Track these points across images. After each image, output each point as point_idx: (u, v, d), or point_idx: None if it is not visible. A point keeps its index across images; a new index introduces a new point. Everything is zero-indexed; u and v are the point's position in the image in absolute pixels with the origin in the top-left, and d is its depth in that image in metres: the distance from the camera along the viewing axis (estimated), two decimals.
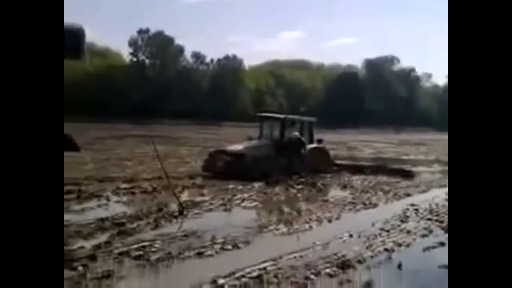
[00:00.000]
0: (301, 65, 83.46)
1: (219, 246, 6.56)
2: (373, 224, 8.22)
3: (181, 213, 8.51)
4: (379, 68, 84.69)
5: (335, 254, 6.34)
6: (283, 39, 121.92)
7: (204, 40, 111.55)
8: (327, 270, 5.73)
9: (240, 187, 11.69)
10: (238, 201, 10.01)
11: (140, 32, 66.88)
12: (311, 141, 15.47)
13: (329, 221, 8.61)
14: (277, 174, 13.20)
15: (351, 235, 7.44)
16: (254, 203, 10.04)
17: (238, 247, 6.65)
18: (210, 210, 9.14)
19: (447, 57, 2.71)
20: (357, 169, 15.97)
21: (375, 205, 10.37)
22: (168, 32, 67.62)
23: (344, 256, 6.30)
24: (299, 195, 11.48)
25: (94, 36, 65.87)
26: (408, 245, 7.13)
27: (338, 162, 16.82)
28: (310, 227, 8.13)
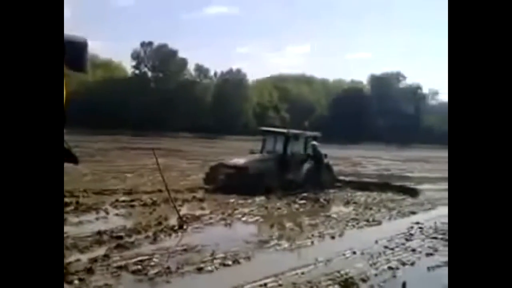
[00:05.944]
0: (306, 80, 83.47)
1: (219, 261, 6.41)
2: (376, 242, 8.05)
3: (180, 227, 8.35)
4: (384, 84, 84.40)
5: (338, 271, 6.18)
6: (290, 54, 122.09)
7: (208, 53, 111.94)
8: None
9: (241, 201, 11.53)
10: (239, 216, 9.85)
11: (143, 44, 67.28)
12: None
13: (332, 237, 8.44)
14: (279, 189, 13.06)
15: (354, 252, 7.28)
16: (255, 218, 9.87)
17: (238, 263, 6.49)
18: (211, 224, 8.99)
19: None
20: (361, 185, 15.77)
21: (379, 222, 10.18)
22: (172, 46, 68.01)
23: (347, 273, 6.14)
24: (301, 210, 11.31)
25: (96, 48, 66.34)
26: (412, 264, 6.96)
27: (341, 178, 16.64)
28: (312, 243, 7.97)
